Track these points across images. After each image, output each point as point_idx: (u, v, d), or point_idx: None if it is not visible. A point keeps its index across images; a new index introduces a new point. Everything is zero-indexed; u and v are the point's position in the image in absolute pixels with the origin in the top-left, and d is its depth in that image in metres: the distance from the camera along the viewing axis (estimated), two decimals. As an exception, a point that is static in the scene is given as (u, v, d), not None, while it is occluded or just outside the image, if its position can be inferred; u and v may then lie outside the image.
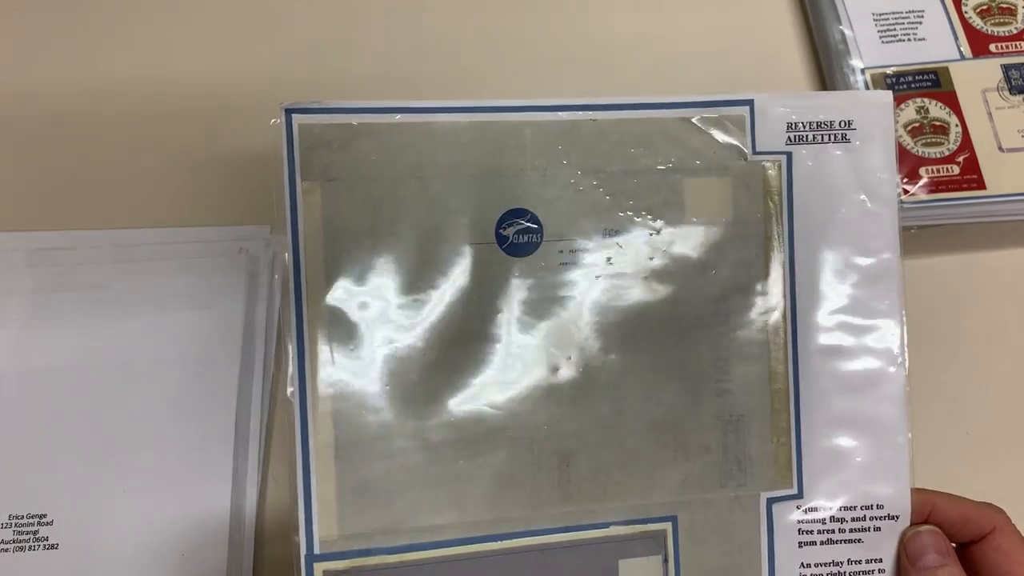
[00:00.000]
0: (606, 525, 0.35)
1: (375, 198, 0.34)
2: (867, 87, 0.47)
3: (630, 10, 0.52)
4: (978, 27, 0.48)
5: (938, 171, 0.45)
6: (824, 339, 0.36)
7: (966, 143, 0.45)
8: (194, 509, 0.41)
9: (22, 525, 0.40)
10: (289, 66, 0.50)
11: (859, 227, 0.36)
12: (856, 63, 0.47)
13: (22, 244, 0.45)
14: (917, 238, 0.46)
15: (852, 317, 0.36)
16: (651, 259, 0.35)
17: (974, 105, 0.46)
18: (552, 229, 0.35)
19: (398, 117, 0.34)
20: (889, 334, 0.36)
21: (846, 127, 0.36)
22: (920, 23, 0.49)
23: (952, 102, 0.46)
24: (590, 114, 0.35)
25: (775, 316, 0.36)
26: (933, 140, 0.45)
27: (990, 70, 0.47)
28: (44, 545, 0.40)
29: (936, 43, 0.48)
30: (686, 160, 0.36)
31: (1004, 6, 0.49)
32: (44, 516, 0.40)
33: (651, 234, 0.35)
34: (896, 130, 0.46)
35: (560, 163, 0.35)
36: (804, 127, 0.36)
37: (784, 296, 0.36)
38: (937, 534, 0.35)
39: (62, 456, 0.41)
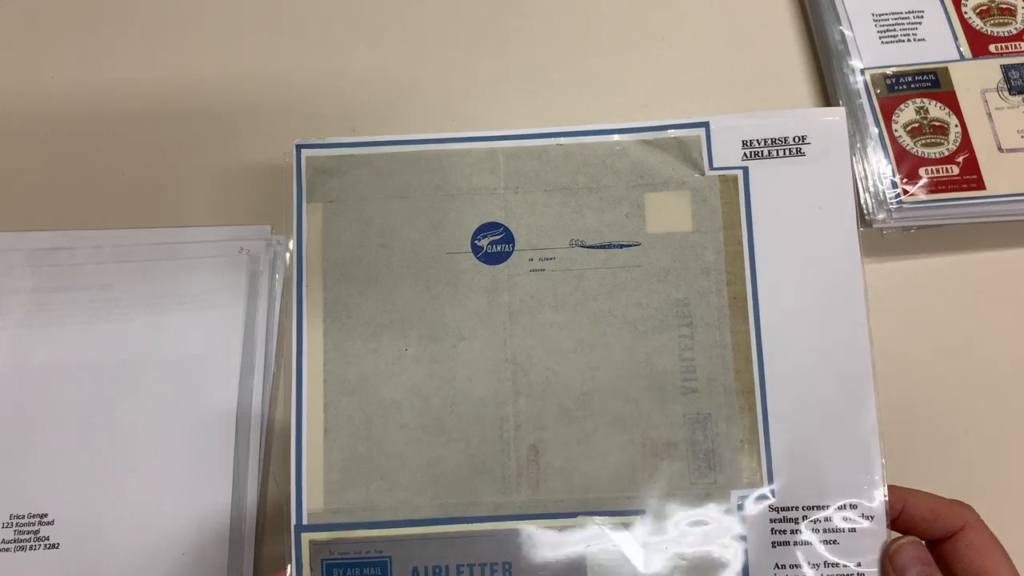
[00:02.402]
0: (574, 515, 0.36)
1: (367, 215, 0.39)
2: (867, 87, 0.47)
3: (631, 10, 0.52)
4: (978, 27, 0.48)
5: (938, 171, 0.45)
6: (789, 342, 0.37)
7: (966, 143, 0.45)
8: (194, 509, 0.41)
9: (23, 525, 0.40)
10: (289, 68, 0.51)
11: (818, 235, 0.38)
12: (856, 63, 0.47)
13: (22, 244, 0.46)
14: (917, 238, 0.46)
15: (817, 322, 0.37)
16: (615, 266, 0.38)
17: (974, 105, 0.46)
18: (523, 240, 0.39)
19: (388, 148, 0.40)
20: (855, 338, 0.37)
21: (800, 142, 0.39)
22: (920, 23, 0.49)
23: (952, 102, 0.46)
24: (557, 140, 0.39)
25: (738, 320, 0.38)
26: (933, 140, 0.45)
27: (990, 70, 0.47)
28: (45, 545, 0.40)
29: (936, 43, 0.48)
30: (646, 177, 0.39)
31: (1004, 6, 0.49)
32: (45, 516, 0.41)
33: (615, 244, 0.39)
34: (896, 130, 0.46)
35: (530, 182, 0.39)
36: (759, 143, 0.39)
37: (747, 301, 0.38)
38: (919, 545, 0.35)
39: (62, 456, 0.41)
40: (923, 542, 0.35)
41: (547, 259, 0.39)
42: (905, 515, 0.35)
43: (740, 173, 0.39)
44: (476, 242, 0.39)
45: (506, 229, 0.39)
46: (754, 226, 0.38)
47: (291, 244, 0.45)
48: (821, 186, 0.38)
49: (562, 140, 0.39)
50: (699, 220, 0.39)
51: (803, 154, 0.39)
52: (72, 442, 0.42)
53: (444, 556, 0.36)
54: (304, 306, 0.38)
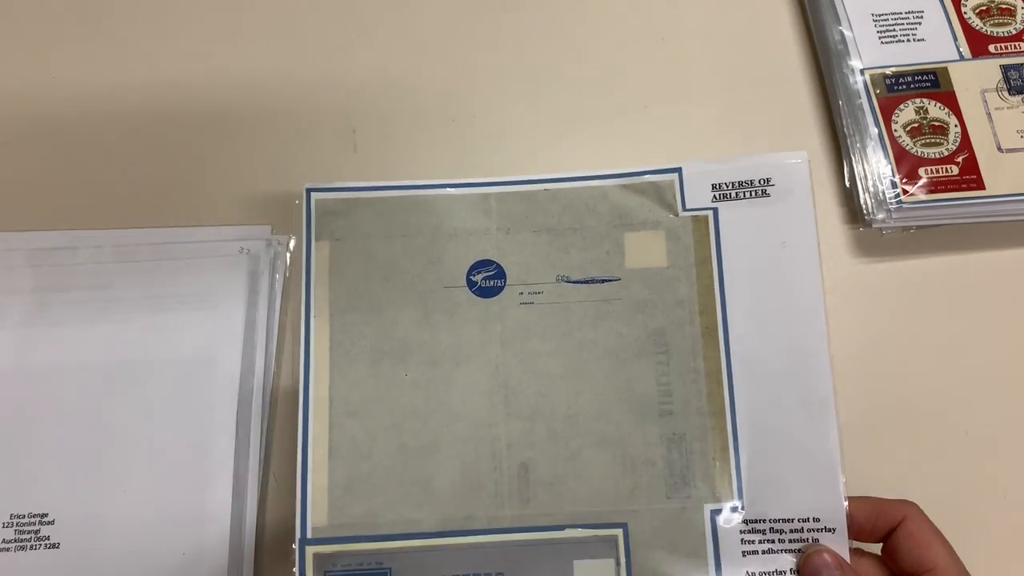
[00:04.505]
0: (561, 528, 0.39)
1: (370, 252, 0.42)
2: (866, 87, 0.47)
3: (632, 9, 0.52)
4: (977, 27, 0.48)
5: (937, 171, 0.45)
6: (757, 368, 0.40)
7: (965, 143, 0.45)
8: (195, 509, 0.41)
9: (23, 524, 0.40)
10: (290, 69, 0.51)
11: (782, 269, 0.41)
12: (855, 63, 0.48)
13: (23, 244, 0.46)
14: (917, 238, 0.46)
15: (782, 349, 0.40)
16: (597, 299, 0.41)
17: (973, 105, 0.46)
18: (514, 276, 0.42)
19: (390, 193, 0.43)
20: (818, 365, 0.39)
21: (765, 183, 0.42)
22: (919, 24, 0.49)
23: (951, 102, 0.46)
24: (544, 186, 0.43)
25: (710, 347, 0.40)
26: (932, 140, 0.46)
27: (989, 70, 0.47)
28: (45, 544, 0.40)
29: (935, 43, 0.48)
30: (625, 218, 0.43)
31: (1003, 7, 0.49)
32: (45, 515, 0.41)
33: (597, 279, 0.42)
34: (895, 130, 0.46)
35: (520, 224, 0.42)
36: (727, 186, 0.42)
37: (718, 330, 0.40)
38: (831, 552, 0.37)
39: (63, 456, 0.41)
40: (835, 551, 0.37)
41: (535, 293, 0.42)
42: (850, 519, 0.37)
43: (710, 213, 0.42)
44: (471, 277, 0.42)
45: (498, 266, 0.42)
46: (724, 261, 0.41)
47: (284, 253, 0.45)
48: (785, 224, 0.41)
49: (549, 186, 0.43)
50: (673, 256, 0.42)
51: (768, 195, 0.42)
52: (72, 442, 0.42)
53: (441, 567, 0.38)
54: (312, 335, 0.41)
